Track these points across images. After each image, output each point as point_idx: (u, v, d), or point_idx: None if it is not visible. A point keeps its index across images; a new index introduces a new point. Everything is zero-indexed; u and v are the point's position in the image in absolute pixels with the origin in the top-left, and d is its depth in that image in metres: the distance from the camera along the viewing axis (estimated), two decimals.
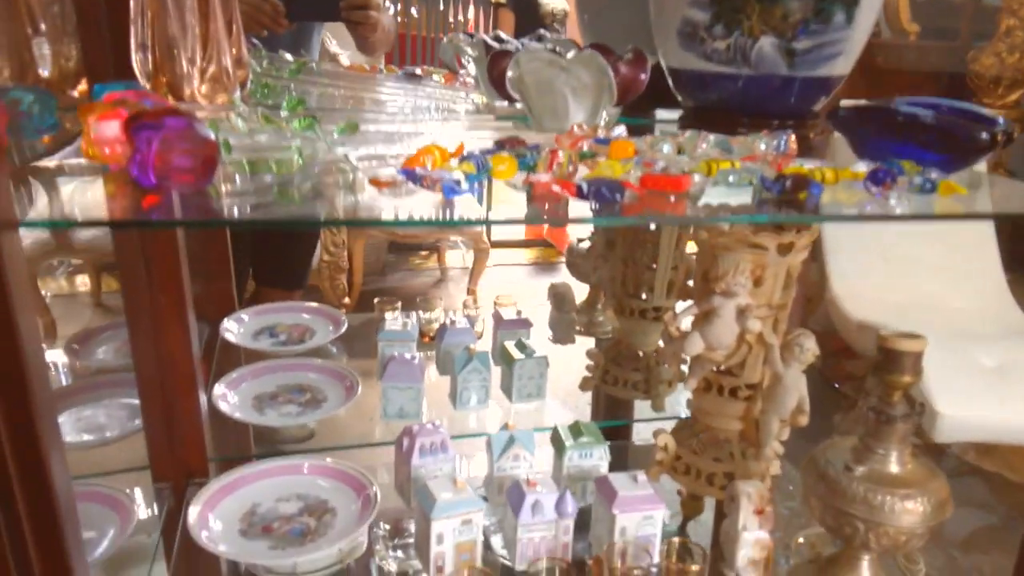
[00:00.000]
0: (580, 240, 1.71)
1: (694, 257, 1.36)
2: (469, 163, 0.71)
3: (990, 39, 3.82)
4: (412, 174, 0.69)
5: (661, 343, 1.49)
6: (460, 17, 4.27)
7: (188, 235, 1.75)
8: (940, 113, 0.80)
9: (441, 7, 4.18)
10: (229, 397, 1.37)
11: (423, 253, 4.16)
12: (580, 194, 0.68)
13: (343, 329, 1.62)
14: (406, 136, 0.94)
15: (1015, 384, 2.29)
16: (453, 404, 1.43)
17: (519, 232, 4.61)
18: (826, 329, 2.79)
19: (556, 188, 0.68)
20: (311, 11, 1.70)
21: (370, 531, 1.15)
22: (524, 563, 1.03)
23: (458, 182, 0.67)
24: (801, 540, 1.10)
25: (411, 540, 1.15)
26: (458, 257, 4.14)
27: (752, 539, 1.01)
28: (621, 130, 0.92)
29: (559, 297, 1.67)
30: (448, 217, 0.68)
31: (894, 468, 0.92)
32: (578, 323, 1.72)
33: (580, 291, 1.74)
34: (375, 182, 0.70)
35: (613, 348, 1.51)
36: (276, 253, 2.23)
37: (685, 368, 1.48)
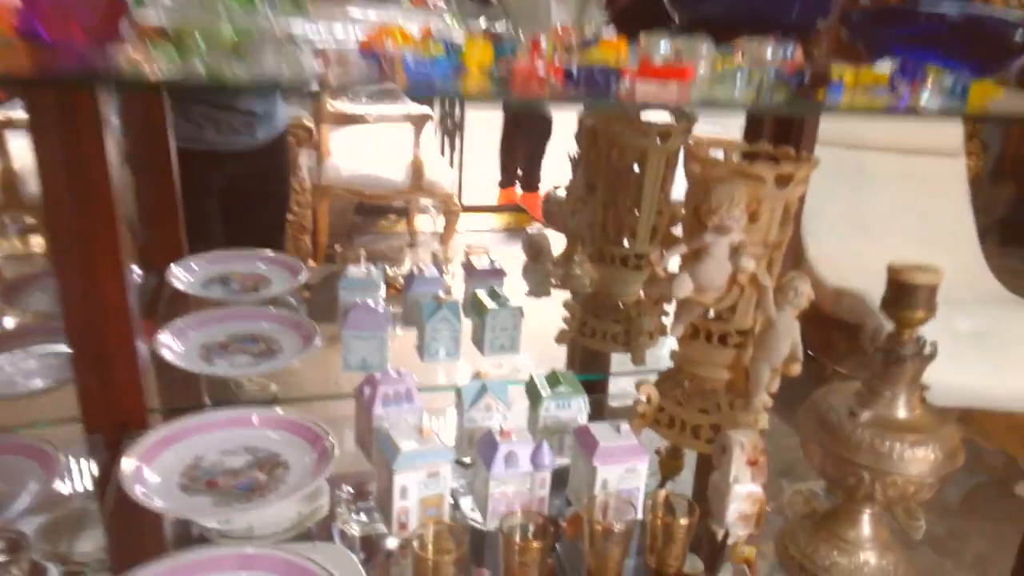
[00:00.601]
0: (556, 187, 1.61)
1: (679, 203, 1.27)
2: (437, 44, 0.60)
3: None
4: (370, 53, 0.58)
5: (643, 293, 1.40)
6: None
7: (134, 179, 1.63)
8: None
9: None
10: (174, 346, 1.25)
11: (392, 216, 4.04)
12: (569, 79, 0.58)
13: (302, 278, 1.51)
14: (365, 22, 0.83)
15: (991, 350, 2.26)
16: (420, 356, 1.32)
17: (491, 197, 4.50)
18: None
19: (540, 71, 0.57)
20: None
21: (332, 494, 1.05)
22: (496, 520, 0.94)
23: (423, 60, 0.56)
24: (791, 496, 1.02)
25: (375, 504, 1.05)
26: (428, 222, 4.02)
27: (744, 492, 0.93)
28: (609, 34, 0.82)
29: (535, 247, 1.57)
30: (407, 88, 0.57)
31: (902, 413, 0.84)
32: (554, 276, 1.62)
33: (557, 244, 1.64)
34: (322, 56, 0.59)
35: (591, 299, 1.42)
36: (246, 215, 2.12)
37: (667, 320, 1.40)
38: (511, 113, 4.38)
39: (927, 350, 0.82)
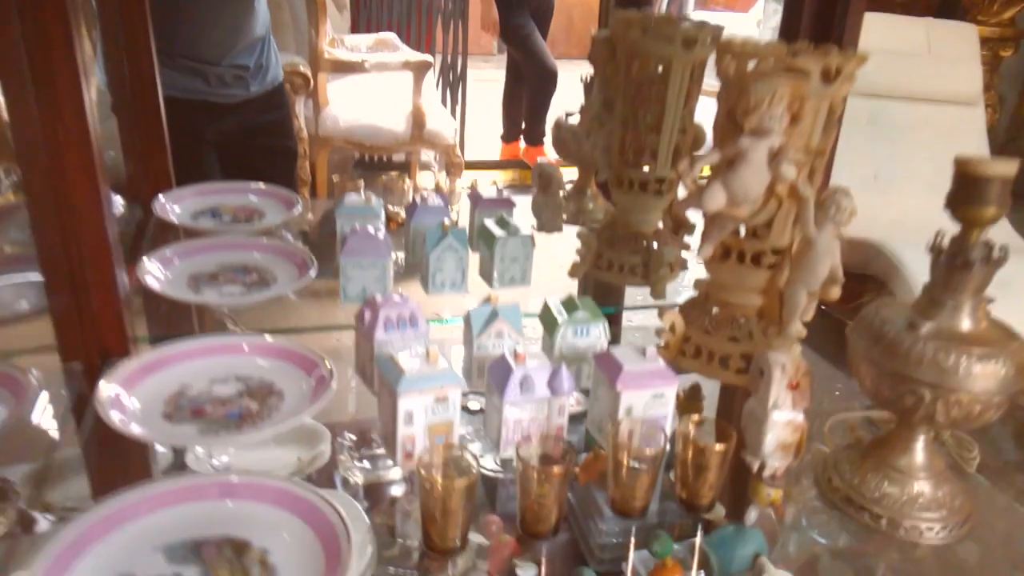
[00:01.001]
0: (569, 114, 1.51)
1: (704, 122, 1.17)
2: None
3: None
4: None
5: (661, 223, 1.31)
6: None
7: (122, 124, 1.53)
8: None
9: None
10: (160, 274, 1.16)
11: (393, 173, 3.91)
12: None
13: (297, 210, 1.41)
14: None
15: (1009, 300, 2.17)
16: (424, 289, 1.24)
17: (494, 152, 4.38)
18: None
19: None
20: None
21: (334, 441, 0.97)
22: (511, 450, 0.86)
23: None
24: (832, 426, 0.94)
25: (380, 451, 0.97)
26: (430, 179, 3.90)
27: (783, 420, 0.84)
28: None
29: (545, 178, 1.48)
30: None
31: (966, 325, 0.75)
32: (566, 211, 1.53)
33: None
34: None
35: (607, 229, 1.32)
36: (251, 172, 2.03)
37: (688, 254, 1.31)
38: (514, 63, 4.25)
39: (996, 254, 0.73)
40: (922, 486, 0.80)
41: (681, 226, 1.38)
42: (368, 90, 3.40)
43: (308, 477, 0.93)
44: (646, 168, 1.24)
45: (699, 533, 0.73)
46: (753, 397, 0.88)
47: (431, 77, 3.66)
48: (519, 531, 0.78)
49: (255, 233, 1.33)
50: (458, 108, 4.04)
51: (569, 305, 1.02)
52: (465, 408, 1.02)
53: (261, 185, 1.49)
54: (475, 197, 1.38)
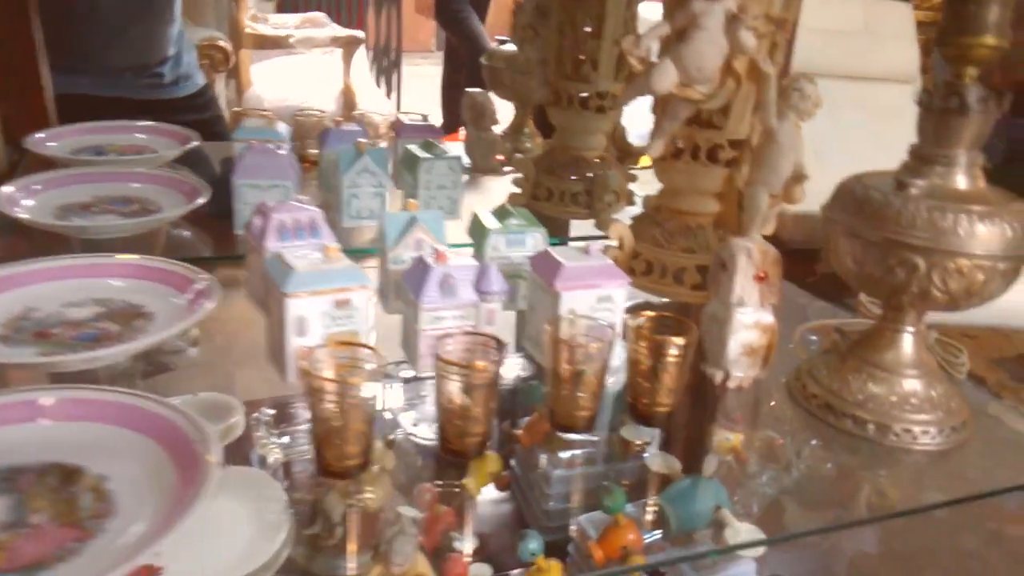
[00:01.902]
0: (503, 42, 1.38)
1: None
2: None
3: None
4: None
5: (604, 149, 1.18)
6: None
7: None
8: None
9: None
10: (21, 202, 0.98)
11: (307, 109, 3.73)
12: None
13: (192, 145, 1.24)
14: None
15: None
16: (339, 219, 1.08)
17: None
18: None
19: None
20: None
21: (248, 416, 0.79)
22: (429, 367, 0.71)
23: None
24: (802, 335, 0.82)
25: (301, 426, 0.79)
26: None
27: (750, 320, 0.72)
28: None
29: (476, 109, 1.34)
30: None
31: (962, 183, 0.64)
32: (501, 150, 1.40)
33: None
34: None
35: (546, 155, 1.19)
36: None
37: (636, 191, 1.19)
38: (451, 49, 4.12)
39: (992, 100, 0.62)
40: (913, 385, 0.68)
41: (627, 155, 1.26)
42: (295, 70, 3.22)
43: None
44: (586, 82, 1.12)
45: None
46: (714, 298, 0.75)
47: (364, 61, 3.50)
48: (439, 452, 0.63)
49: (142, 165, 1.15)
50: (393, 95, 3.89)
51: (501, 213, 0.88)
52: (391, 378, 0.85)
53: (150, 123, 1.31)
54: (398, 125, 1.23)
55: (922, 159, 0.65)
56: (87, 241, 0.96)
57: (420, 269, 0.73)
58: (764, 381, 0.76)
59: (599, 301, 0.74)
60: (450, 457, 0.63)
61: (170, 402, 0.56)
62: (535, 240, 0.87)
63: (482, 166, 1.37)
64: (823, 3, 3.41)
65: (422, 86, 4.75)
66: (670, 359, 0.65)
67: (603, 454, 0.70)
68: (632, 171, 1.23)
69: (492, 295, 0.72)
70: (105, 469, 0.54)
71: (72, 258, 0.82)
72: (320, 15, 3.48)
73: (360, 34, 3.12)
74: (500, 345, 0.62)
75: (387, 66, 3.90)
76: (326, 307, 0.68)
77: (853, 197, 0.66)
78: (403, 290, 0.75)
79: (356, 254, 0.98)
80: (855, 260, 0.65)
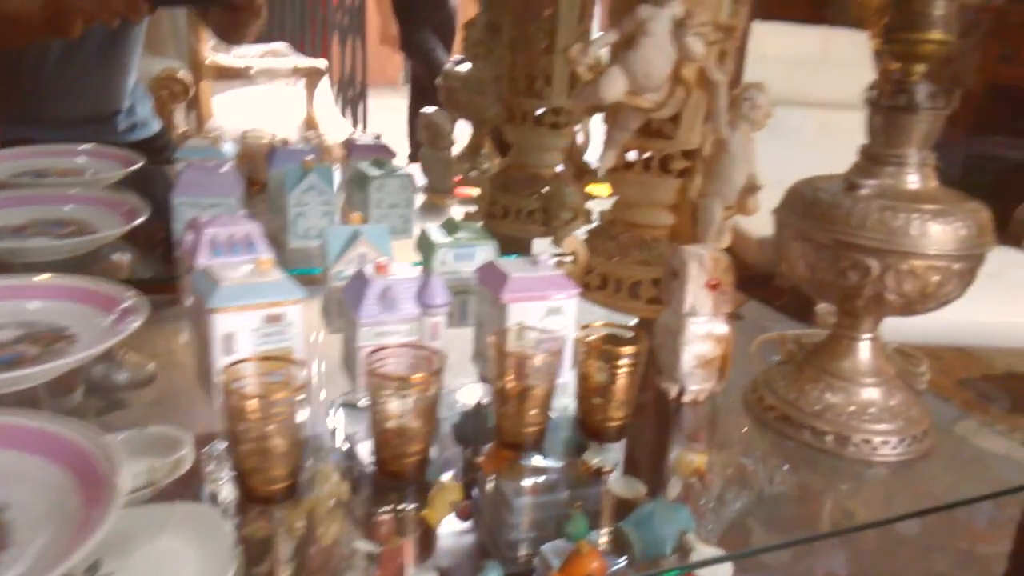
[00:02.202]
0: (457, 61, 1.37)
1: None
2: None
3: None
4: None
5: (561, 167, 1.16)
6: None
7: None
8: None
9: None
10: None
11: (256, 129, 3.69)
12: None
13: (137, 166, 1.20)
14: None
15: (995, 289, 2.11)
16: (286, 240, 1.04)
17: None
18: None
19: None
20: None
21: (199, 450, 0.73)
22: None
23: None
24: (758, 347, 0.79)
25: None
26: None
27: (703, 330, 0.69)
28: None
29: (432, 128, 1.32)
30: None
31: (914, 182, 0.62)
32: (458, 169, 1.37)
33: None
34: None
35: (502, 174, 1.17)
36: None
37: (593, 205, 1.17)
38: (417, 80, 4.12)
39: (941, 97, 0.61)
40: (871, 394, 0.65)
41: (584, 172, 1.24)
42: (257, 100, 3.19)
43: (161, 489, 0.70)
44: (540, 98, 1.10)
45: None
46: (666, 309, 0.72)
47: (328, 93, 3.48)
48: (376, 473, 0.59)
49: (82, 187, 1.11)
50: (359, 126, 3.88)
51: (450, 227, 0.85)
52: (348, 404, 0.80)
53: (91, 146, 1.27)
54: (349, 144, 1.20)
55: (872, 159, 0.63)
56: (26, 265, 0.91)
57: (359, 282, 0.69)
58: (721, 395, 0.74)
59: (549, 313, 0.71)
60: (388, 480, 0.59)
61: (75, 422, 0.51)
62: (485, 254, 0.84)
63: (438, 186, 1.34)
64: (784, 33, 3.48)
65: (389, 118, 4.74)
66: (621, 370, 0.62)
67: (566, 480, 0.67)
68: (590, 190, 1.21)
69: (436, 308, 0.69)
70: (9, 497, 0.50)
71: None
72: (282, 46, 3.47)
73: (323, 64, 3.10)
74: (440, 357, 0.58)
75: (352, 97, 3.89)
76: (256, 323, 0.64)
77: (803, 199, 0.64)
78: (343, 306, 0.72)
79: (300, 274, 0.95)
80: (807, 264, 0.63)
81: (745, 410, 0.72)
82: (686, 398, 0.72)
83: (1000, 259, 1.92)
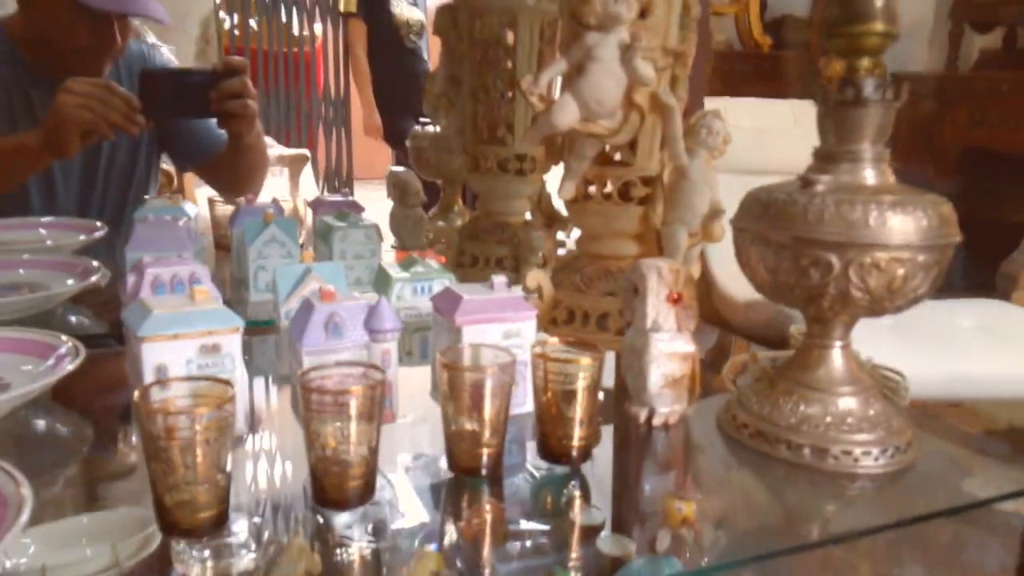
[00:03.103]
0: (424, 123, 1.37)
1: None
2: None
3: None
4: None
5: (529, 214, 1.15)
6: (306, 32, 3.96)
7: None
8: None
9: (283, 18, 3.85)
10: None
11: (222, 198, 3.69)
12: None
13: (98, 234, 1.18)
14: None
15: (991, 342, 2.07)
16: (246, 291, 1.02)
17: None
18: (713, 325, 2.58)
19: None
20: (175, 106, 1.23)
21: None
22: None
23: None
24: (727, 370, 0.76)
25: (228, 539, 0.67)
26: None
27: (667, 349, 0.66)
28: None
29: (401, 187, 1.31)
30: None
31: (871, 177, 0.60)
32: (430, 228, 1.36)
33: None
34: None
35: (471, 223, 1.16)
36: None
37: (563, 250, 1.15)
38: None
39: (889, 89, 0.60)
40: (848, 403, 0.61)
41: (553, 220, 1.23)
42: None
43: (129, 572, 0.63)
44: (504, 145, 1.10)
45: None
46: (630, 329, 0.69)
47: (312, 181, 3.53)
48: (314, 502, 0.54)
49: (37, 253, 1.08)
50: None
51: (407, 263, 0.82)
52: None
53: (52, 218, 1.25)
54: (317, 203, 1.19)
55: (826, 158, 0.61)
56: None
57: (305, 311, 0.66)
58: (692, 419, 0.69)
59: (506, 336, 0.67)
60: (328, 507, 0.54)
61: None
62: (443, 288, 0.81)
63: (409, 244, 1.32)
64: (756, 107, 3.58)
65: (376, 208, 4.79)
66: (578, 384, 0.58)
67: (554, 542, 0.62)
68: (560, 237, 1.20)
69: (385, 333, 0.65)
70: None
71: None
72: (267, 138, 3.54)
73: (307, 152, 3.16)
74: (379, 372, 0.55)
75: (339, 188, 3.94)
76: (190, 353, 0.60)
77: (758, 202, 0.62)
78: (290, 337, 0.68)
79: (256, 326, 0.91)
80: (767, 268, 0.61)
81: (719, 432, 0.67)
82: (656, 421, 0.67)
83: (992, 312, 1.89)
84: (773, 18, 4.27)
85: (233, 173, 1.45)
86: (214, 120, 1.28)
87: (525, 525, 0.59)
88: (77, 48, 1.27)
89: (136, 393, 0.49)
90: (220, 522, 0.51)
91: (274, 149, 3.26)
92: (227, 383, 0.50)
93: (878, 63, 0.59)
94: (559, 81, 0.82)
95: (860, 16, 0.58)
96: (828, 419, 0.61)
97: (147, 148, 1.47)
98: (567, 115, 0.78)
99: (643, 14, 0.78)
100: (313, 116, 3.87)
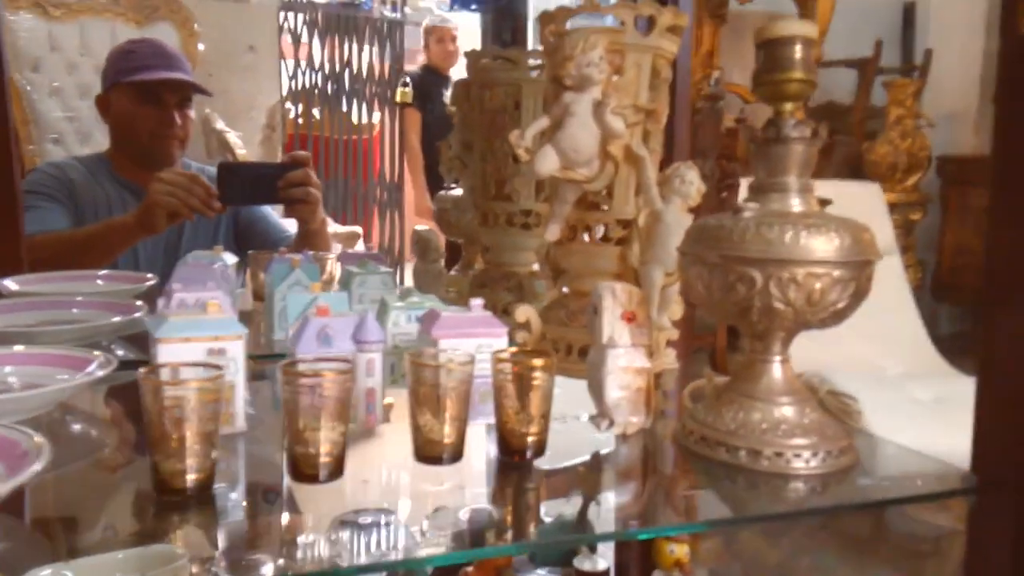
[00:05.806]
0: (448, 188, 1.50)
1: None
2: None
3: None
4: None
5: (536, 266, 1.24)
6: (364, 120, 4.24)
7: None
8: None
9: (344, 108, 4.14)
10: None
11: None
12: None
13: (147, 285, 1.30)
14: None
15: (947, 415, 2.06)
16: (271, 332, 1.12)
17: None
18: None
19: None
20: (248, 194, 1.43)
21: (205, 568, 0.71)
22: None
23: None
24: (688, 392, 0.81)
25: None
26: None
27: (623, 363, 0.72)
28: None
29: (423, 244, 1.42)
30: None
31: (796, 206, 0.67)
32: (450, 283, 1.45)
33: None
34: None
35: (481, 273, 1.25)
36: None
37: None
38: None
39: (807, 127, 0.67)
40: (784, 412, 0.66)
41: (560, 273, 1.31)
42: None
43: None
44: (510, 201, 1.20)
45: None
46: (592, 347, 0.76)
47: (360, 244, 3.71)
48: (291, 475, 0.62)
49: (90, 295, 1.21)
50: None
51: (404, 293, 0.92)
52: None
53: (111, 271, 1.40)
54: (343, 256, 1.31)
55: (757, 190, 0.69)
56: None
57: (301, 326, 0.76)
58: (654, 431, 0.75)
59: (479, 351, 0.75)
60: (303, 482, 0.62)
61: None
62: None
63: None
64: None
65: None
66: (533, 384, 0.66)
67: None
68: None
69: (369, 344, 0.74)
70: None
71: None
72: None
73: (358, 230, 3.33)
74: (347, 363, 0.63)
75: (391, 264, 4.11)
76: (199, 355, 0.70)
77: (697, 229, 0.69)
78: (288, 351, 0.77)
79: (273, 359, 1.01)
80: (704, 286, 0.67)
81: (673, 441, 0.73)
82: (615, 431, 0.73)
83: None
84: None
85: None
86: (283, 221, 1.45)
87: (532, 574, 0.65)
88: (151, 132, 1.52)
89: (141, 370, 0.59)
90: (205, 487, 0.59)
91: (329, 227, 3.46)
92: (217, 367, 0.60)
93: (798, 107, 0.67)
94: None
95: (781, 67, 0.67)
96: (764, 425, 0.66)
97: (224, 236, 1.65)
98: (548, 163, 0.88)
99: (617, 71, 0.88)
100: (369, 199, 4.09)
